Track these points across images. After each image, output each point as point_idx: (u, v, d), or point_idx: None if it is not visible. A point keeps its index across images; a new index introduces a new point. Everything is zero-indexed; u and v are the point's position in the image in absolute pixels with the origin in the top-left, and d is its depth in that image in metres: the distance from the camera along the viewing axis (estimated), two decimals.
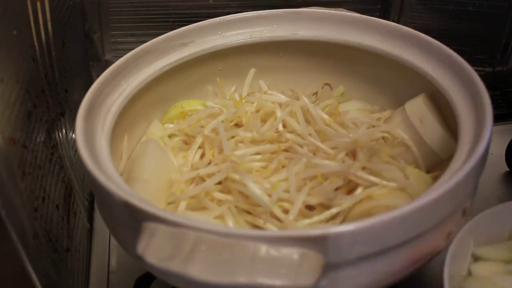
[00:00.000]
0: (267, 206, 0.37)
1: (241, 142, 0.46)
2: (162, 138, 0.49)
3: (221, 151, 0.44)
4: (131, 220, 0.33)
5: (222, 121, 0.47)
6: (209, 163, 0.44)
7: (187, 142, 0.47)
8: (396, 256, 0.33)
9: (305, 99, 0.48)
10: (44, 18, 0.46)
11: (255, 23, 0.52)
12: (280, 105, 0.47)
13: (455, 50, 0.44)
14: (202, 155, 0.45)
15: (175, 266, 0.29)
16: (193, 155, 0.45)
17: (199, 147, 0.46)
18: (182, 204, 0.40)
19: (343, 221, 0.39)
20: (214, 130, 0.46)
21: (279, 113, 0.46)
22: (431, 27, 0.70)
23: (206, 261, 0.29)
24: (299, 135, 0.45)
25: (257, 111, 0.48)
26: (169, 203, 0.42)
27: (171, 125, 0.50)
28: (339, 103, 0.51)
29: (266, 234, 0.30)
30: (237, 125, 0.48)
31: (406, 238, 0.33)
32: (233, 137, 0.46)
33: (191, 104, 0.51)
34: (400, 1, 0.69)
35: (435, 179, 0.42)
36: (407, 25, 0.48)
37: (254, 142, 0.45)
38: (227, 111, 0.48)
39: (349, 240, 0.31)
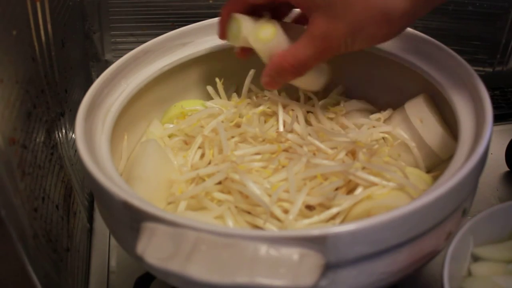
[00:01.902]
0: (267, 206, 0.37)
1: (241, 142, 0.46)
2: (162, 138, 0.49)
3: (221, 151, 0.44)
4: (130, 220, 0.33)
5: (222, 121, 0.47)
6: (209, 163, 0.44)
7: (187, 142, 0.47)
8: (396, 256, 0.33)
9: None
10: (44, 18, 0.46)
11: None
12: (280, 105, 0.47)
13: (455, 50, 0.44)
14: (202, 155, 0.45)
15: (174, 266, 0.29)
16: (193, 155, 0.45)
17: (199, 147, 0.46)
18: (182, 204, 0.40)
19: (343, 221, 0.39)
20: (214, 130, 0.46)
21: (279, 113, 0.46)
22: (431, 27, 0.70)
23: (206, 261, 0.29)
24: (299, 135, 0.45)
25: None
26: (169, 203, 0.42)
27: (171, 125, 0.50)
28: (339, 103, 0.51)
29: (266, 234, 0.30)
30: (237, 125, 0.48)
31: (406, 238, 0.32)
32: (233, 137, 0.46)
33: (191, 104, 0.51)
34: None
35: (435, 179, 0.42)
36: None
37: (255, 139, 0.45)
38: (227, 111, 0.48)
39: (349, 240, 0.31)
